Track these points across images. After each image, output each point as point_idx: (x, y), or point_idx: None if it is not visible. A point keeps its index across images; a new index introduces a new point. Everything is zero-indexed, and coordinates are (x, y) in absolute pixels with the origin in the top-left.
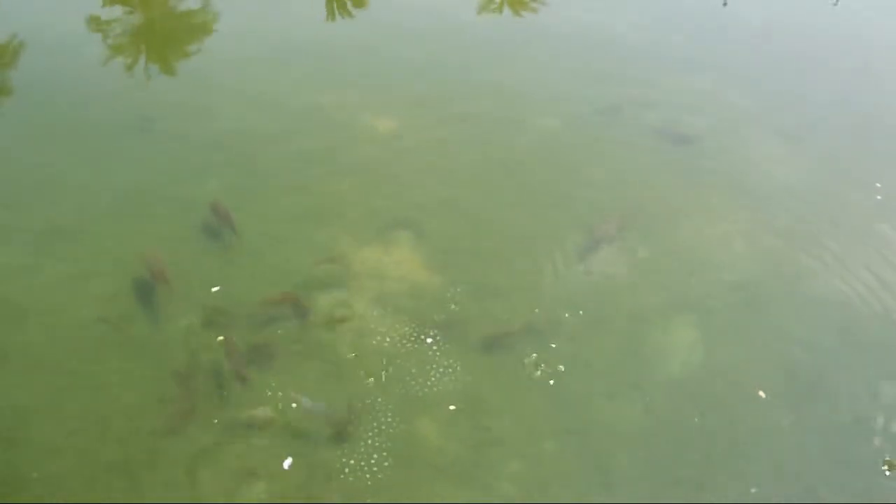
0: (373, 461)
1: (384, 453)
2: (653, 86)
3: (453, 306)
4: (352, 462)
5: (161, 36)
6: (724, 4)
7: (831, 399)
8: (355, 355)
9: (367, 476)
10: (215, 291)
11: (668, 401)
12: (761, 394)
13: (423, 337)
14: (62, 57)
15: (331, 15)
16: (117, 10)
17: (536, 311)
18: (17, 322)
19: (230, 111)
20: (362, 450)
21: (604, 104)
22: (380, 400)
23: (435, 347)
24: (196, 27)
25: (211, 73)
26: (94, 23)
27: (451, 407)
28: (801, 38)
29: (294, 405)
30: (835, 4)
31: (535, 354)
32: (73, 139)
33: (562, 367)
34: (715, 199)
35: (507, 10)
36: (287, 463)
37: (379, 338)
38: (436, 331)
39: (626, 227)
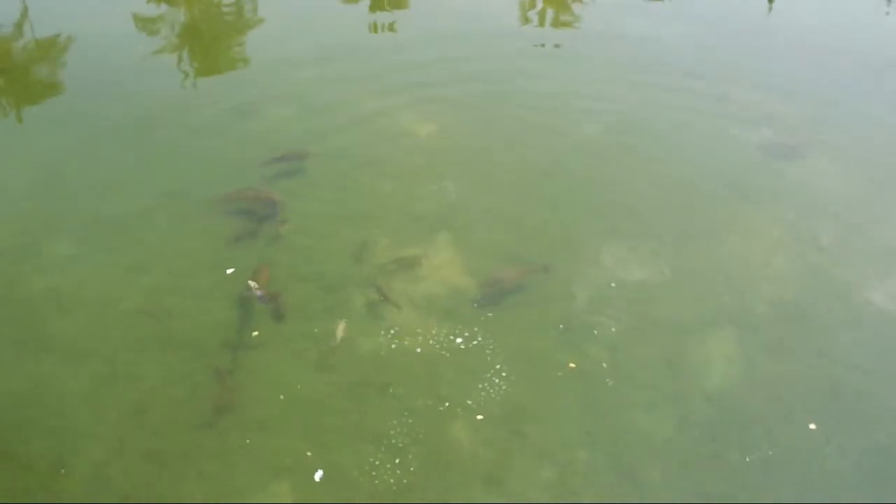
0: (397, 462)
1: (409, 456)
2: (695, 93)
3: (490, 313)
4: (377, 463)
5: (206, 37)
6: (770, 9)
7: (874, 419)
8: (394, 346)
9: (392, 481)
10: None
11: (704, 414)
12: (812, 426)
13: (457, 340)
14: (110, 56)
15: (373, 22)
16: (163, 10)
17: (573, 319)
18: (62, 312)
19: (273, 112)
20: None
21: (646, 111)
22: (413, 403)
23: (472, 351)
24: (241, 29)
25: (254, 74)
26: (141, 22)
27: (479, 417)
28: (853, 48)
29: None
30: (887, 14)
31: (571, 364)
32: (119, 136)
33: (609, 382)
34: (757, 211)
35: (549, 17)
36: (318, 475)
37: (414, 339)
38: (471, 334)
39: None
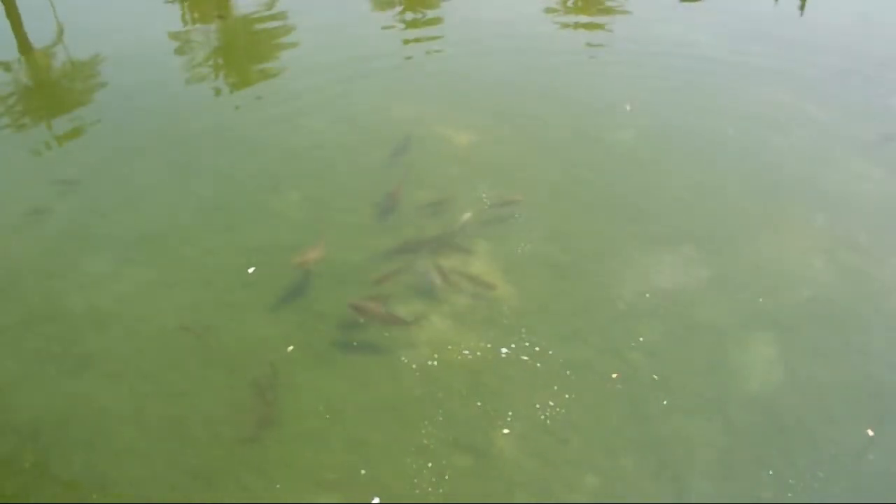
0: (439, 472)
1: (443, 463)
2: (729, 97)
3: (531, 322)
4: (417, 471)
5: (240, 51)
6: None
7: None
8: (436, 357)
9: (430, 491)
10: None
11: (747, 418)
12: (870, 432)
13: (500, 350)
14: (146, 73)
15: (407, 32)
16: (198, 27)
17: (614, 325)
18: (102, 328)
19: (308, 125)
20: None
21: (682, 116)
22: (442, 410)
23: (512, 359)
24: (273, 42)
25: (289, 87)
26: (177, 39)
27: (506, 431)
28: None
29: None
30: None
31: (614, 374)
32: (156, 152)
33: (652, 388)
34: (794, 212)
35: (584, 23)
36: (376, 500)
37: (454, 348)
38: (515, 344)
39: None
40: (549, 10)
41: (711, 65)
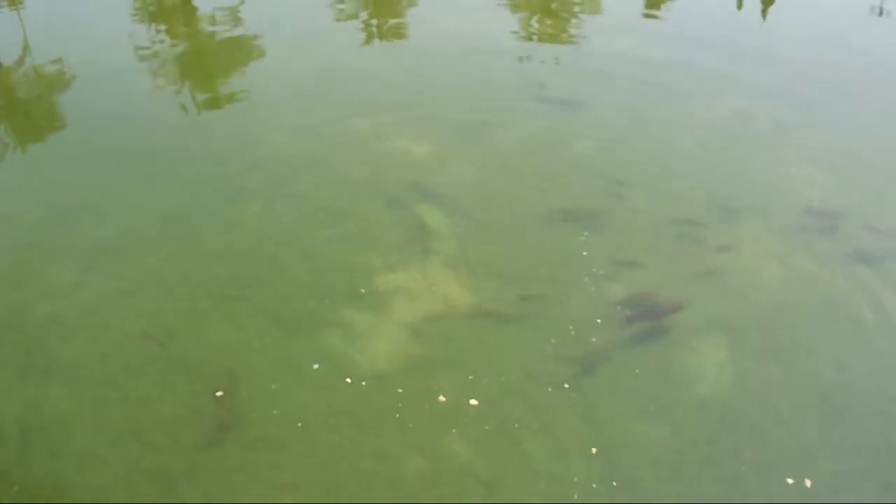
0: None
1: (403, 468)
2: (685, 104)
3: (487, 326)
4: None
5: (205, 65)
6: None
7: (864, 421)
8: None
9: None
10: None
11: (697, 421)
12: (808, 482)
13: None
14: (111, 87)
15: (368, 44)
16: (164, 41)
17: (571, 329)
18: (65, 337)
19: (270, 137)
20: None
21: (641, 128)
22: (398, 415)
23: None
24: (239, 57)
25: (252, 100)
26: (141, 53)
27: (486, 427)
28: (843, 54)
29: None
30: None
31: (565, 384)
32: (119, 164)
33: (604, 392)
34: (747, 220)
35: (544, 36)
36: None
37: (412, 351)
38: (471, 350)
39: None
40: (510, 23)
41: (669, 77)
